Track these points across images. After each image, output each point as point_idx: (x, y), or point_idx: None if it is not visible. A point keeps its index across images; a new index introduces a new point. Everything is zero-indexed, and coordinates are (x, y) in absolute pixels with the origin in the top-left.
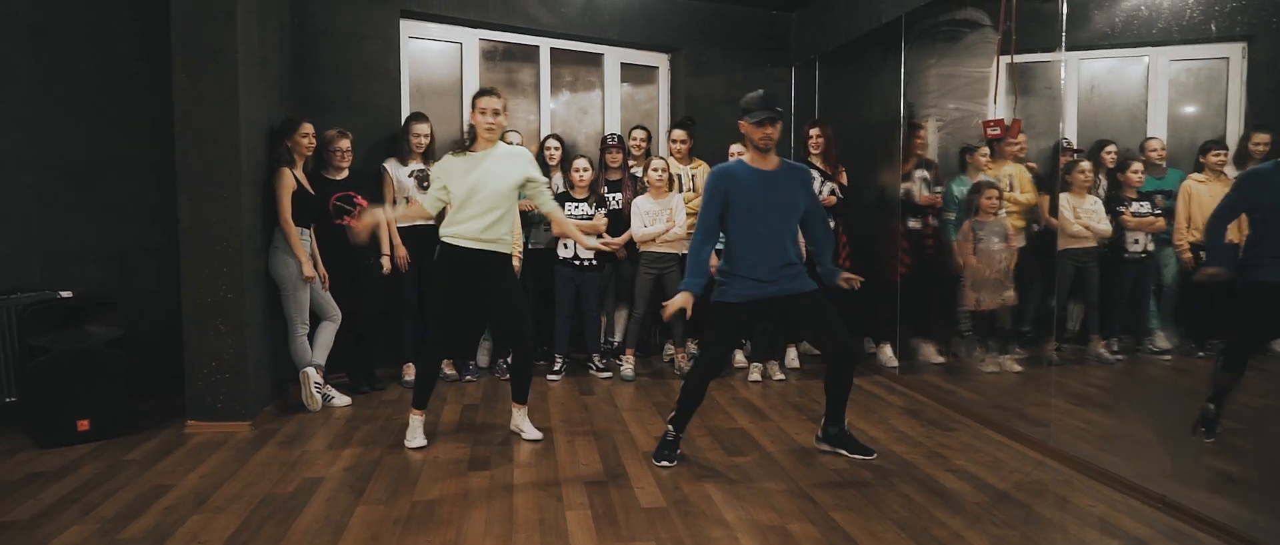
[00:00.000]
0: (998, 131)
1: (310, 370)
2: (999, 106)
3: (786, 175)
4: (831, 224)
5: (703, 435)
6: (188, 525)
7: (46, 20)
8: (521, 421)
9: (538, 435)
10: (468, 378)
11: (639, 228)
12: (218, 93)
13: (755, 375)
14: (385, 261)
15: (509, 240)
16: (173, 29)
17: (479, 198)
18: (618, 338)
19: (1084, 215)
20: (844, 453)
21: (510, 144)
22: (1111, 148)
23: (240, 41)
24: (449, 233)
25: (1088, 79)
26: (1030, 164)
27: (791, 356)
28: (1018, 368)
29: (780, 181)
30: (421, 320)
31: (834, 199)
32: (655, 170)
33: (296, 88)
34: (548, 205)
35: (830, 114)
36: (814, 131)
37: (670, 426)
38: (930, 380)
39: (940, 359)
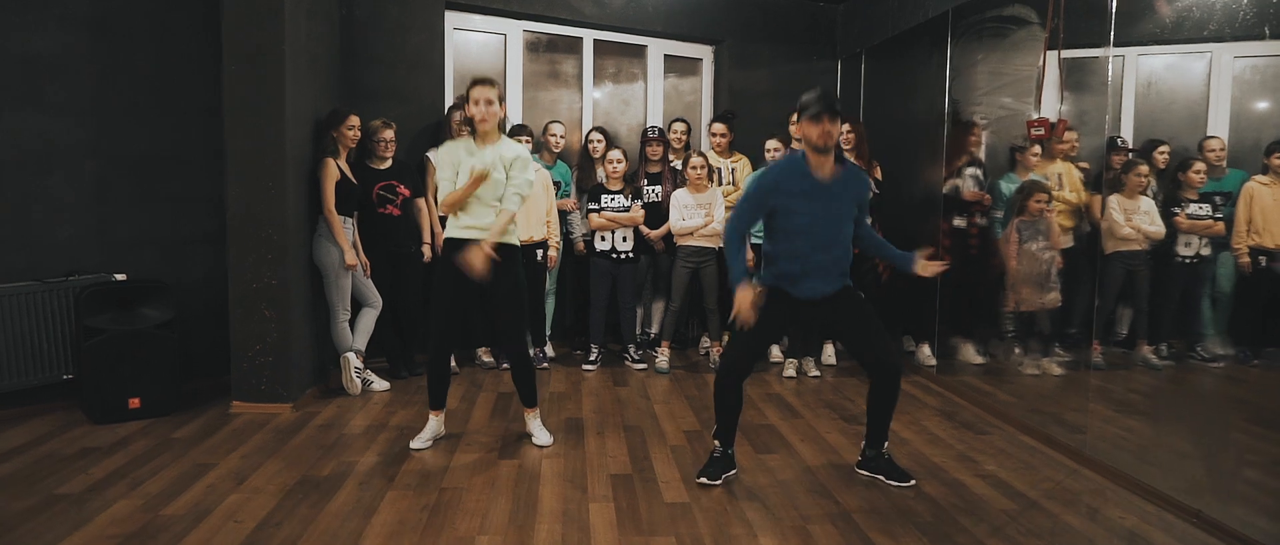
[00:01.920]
0: (1043, 132)
1: (351, 355)
2: (1046, 105)
3: (844, 186)
4: (869, 220)
5: None
6: (226, 504)
7: (106, 15)
8: (531, 424)
9: (547, 440)
10: (505, 366)
11: (677, 220)
12: (265, 86)
13: (790, 371)
14: (426, 250)
15: (511, 231)
16: (224, 24)
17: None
18: (655, 329)
19: (1136, 218)
20: (882, 479)
21: (522, 141)
22: (1164, 148)
23: (288, 36)
24: (450, 224)
25: (1145, 75)
26: (1082, 163)
27: (828, 353)
28: (1059, 371)
29: (836, 193)
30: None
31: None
32: (695, 167)
33: (344, 79)
34: (507, 204)
35: (875, 109)
36: (845, 127)
37: (716, 442)
38: (969, 381)
39: (980, 360)
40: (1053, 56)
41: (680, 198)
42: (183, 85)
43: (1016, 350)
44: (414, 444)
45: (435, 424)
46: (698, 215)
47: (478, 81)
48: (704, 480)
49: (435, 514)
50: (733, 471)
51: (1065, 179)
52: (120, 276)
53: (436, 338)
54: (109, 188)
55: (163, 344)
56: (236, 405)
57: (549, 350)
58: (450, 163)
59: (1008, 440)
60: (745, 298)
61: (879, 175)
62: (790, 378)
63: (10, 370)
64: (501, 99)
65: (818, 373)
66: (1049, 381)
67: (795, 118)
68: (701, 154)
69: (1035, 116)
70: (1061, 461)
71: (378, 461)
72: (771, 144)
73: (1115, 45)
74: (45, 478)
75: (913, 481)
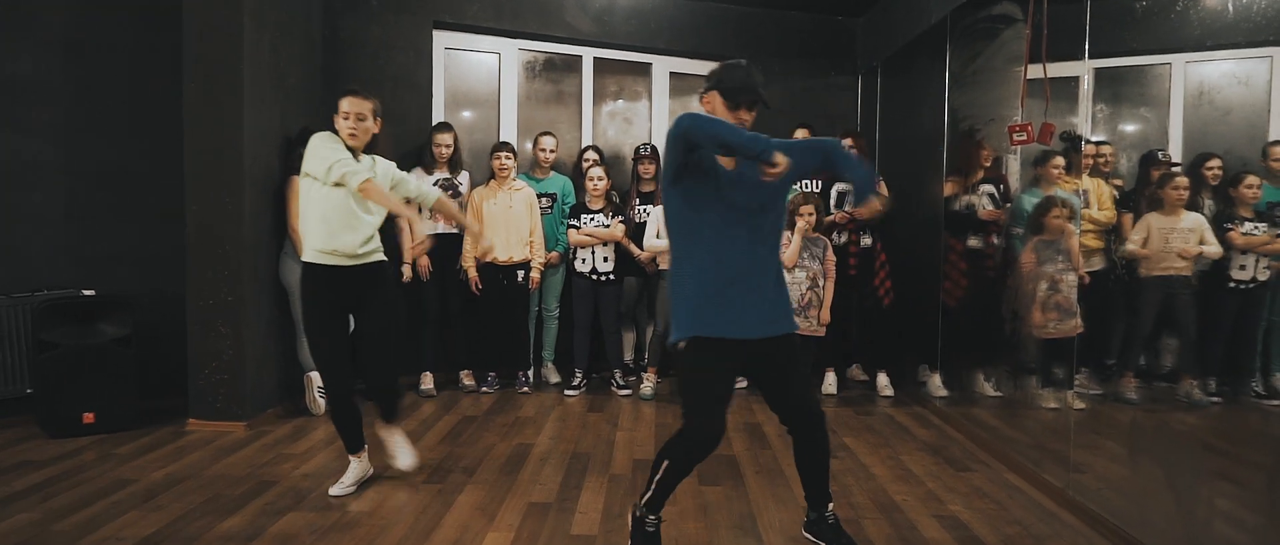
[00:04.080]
0: (1025, 137)
1: (314, 375)
2: (1035, 112)
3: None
4: (870, 241)
5: None
6: (119, 521)
7: (80, 37)
8: (393, 441)
9: (409, 461)
10: (485, 389)
11: (652, 237)
12: (223, 103)
13: None
14: (406, 270)
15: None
16: (184, 45)
17: (361, 207)
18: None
19: (1176, 237)
20: None
21: (504, 157)
22: (1214, 162)
23: (247, 55)
24: (315, 249)
25: (1196, 84)
26: (1115, 180)
27: (829, 382)
28: (1083, 405)
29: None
30: (441, 329)
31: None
32: None
33: (325, 99)
34: (411, 190)
35: (891, 124)
36: (847, 141)
37: (645, 512)
38: (976, 414)
39: (996, 392)
40: (1034, 61)
41: (659, 214)
42: (154, 104)
43: (1035, 382)
44: (333, 490)
45: (358, 467)
46: None
47: (346, 91)
48: None
49: (323, 537)
50: None
51: (1093, 196)
52: (89, 292)
53: (328, 373)
54: (82, 205)
55: (118, 360)
56: (191, 423)
57: (552, 375)
58: (331, 156)
59: (990, 478)
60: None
61: (885, 192)
62: None
63: None
64: (376, 115)
65: None
66: (1065, 417)
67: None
68: None
69: (1017, 121)
70: (1040, 503)
71: (299, 481)
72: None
73: (1159, 52)
74: None
75: None
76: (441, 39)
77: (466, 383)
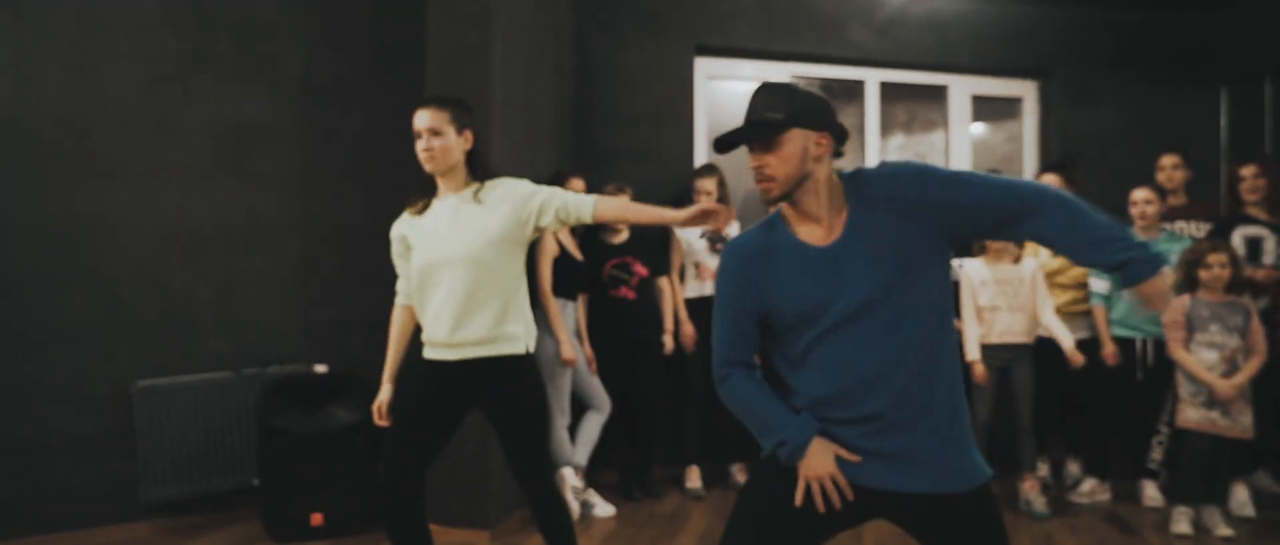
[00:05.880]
0: None
1: (568, 471)
2: None
3: (859, 240)
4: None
5: None
6: None
7: (317, 77)
8: None
9: None
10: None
11: (968, 304)
12: None
13: (1183, 525)
14: (667, 340)
15: (514, 335)
16: (427, 76)
17: (436, 276)
18: None
19: None
20: None
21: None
22: None
23: (497, 83)
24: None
25: None
26: None
27: (1242, 498)
28: None
29: (853, 257)
30: (711, 412)
31: None
32: None
33: (576, 137)
34: (585, 212)
35: None
36: (1247, 171)
37: None
38: None
39: None
40: None
41: (975, 272)
42: (395, 151)
43: None
44: None
45: None
46: (1003, 294)
47: (420, 103)
48: None
49: None
50: None
51: None
52: (321, 368)
53: (384, 484)
54: (314, 266)
55: (350, 450)
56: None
57: None
58: (396, 254)
59: None
60: (818, 461)
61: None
62: (1183, 535)
63: (200, 471)
64: (460, 125)
65: (1229, 532)
66: None
67: None
68: None
69: None
70: None
71: None
72: (1140, 195)
73: None
74: None
75: None
76: (703, 67)
77: (740, 479)
